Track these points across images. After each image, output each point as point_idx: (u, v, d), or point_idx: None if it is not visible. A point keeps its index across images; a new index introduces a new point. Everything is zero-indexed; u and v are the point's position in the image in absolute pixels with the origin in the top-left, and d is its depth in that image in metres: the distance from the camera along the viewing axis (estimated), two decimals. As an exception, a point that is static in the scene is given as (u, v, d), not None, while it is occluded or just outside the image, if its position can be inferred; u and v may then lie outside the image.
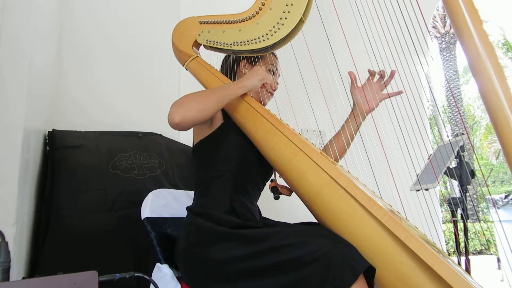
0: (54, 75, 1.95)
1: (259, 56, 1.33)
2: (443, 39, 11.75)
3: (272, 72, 1.35)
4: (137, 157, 1.82)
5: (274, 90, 1.37)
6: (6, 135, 1.17)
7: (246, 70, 1.35)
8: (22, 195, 1.23)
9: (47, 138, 1.72)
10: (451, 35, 11.49)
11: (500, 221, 3.65)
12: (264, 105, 1.33)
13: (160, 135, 2.05)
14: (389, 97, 1.26)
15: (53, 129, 1.75)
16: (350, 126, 1.29)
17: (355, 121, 1.27)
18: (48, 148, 1.69)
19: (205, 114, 1.07)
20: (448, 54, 11.61)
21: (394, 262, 0.83)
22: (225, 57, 1.42)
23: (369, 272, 0.85)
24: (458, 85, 11.43)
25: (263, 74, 1.20)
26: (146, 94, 2.25)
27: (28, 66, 1.27)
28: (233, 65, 1.38)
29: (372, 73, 1.24)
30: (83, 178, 1.62)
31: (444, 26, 11.74)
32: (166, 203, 1.34)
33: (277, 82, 1.39)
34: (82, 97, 2.06)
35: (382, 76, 1.24)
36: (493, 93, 0.68)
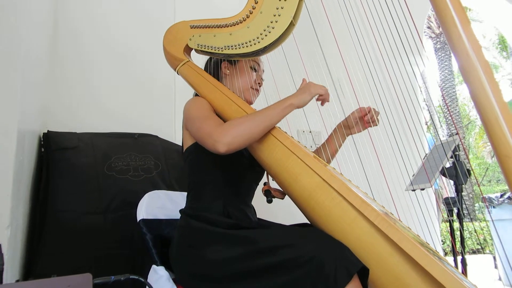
0: (49, 77, 1.94)
1: None
2: (438, 39, 11.76)
3: (254, 69, 1.35)
4: (132, 159, 1.81)
5: (260, 86, 1.36)
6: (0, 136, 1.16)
7: (228, 71, 1.35)
8: (16, 197, 1.22)
9: (42, 139, 1.71)
10: (447, 36, 11.45)
11: (492, 220, 3.66)
12: (251, 103, 1.33)
13: (156, 136, 2.05)
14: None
15: (48, 131, 1.74)
16: (334, 142, 1.36)
17: (340, 138, 1.35)
18: (43, 149, 1.68)
19: (250, 142, 1.08)
20: (443, 54, 11.61)
21: (387, 263, 0.83)
22: (209, 59, 1.41)
23: (363, 273, 0.85)
24: (454, 84, 11.44)
25: (316, 90, 1.13)
26: (141, 95, 2.24)
27: (22, 67, 1.26)
28: (216, 67, 1.37)
29: (363, 111, 1.29)
30: (78, 179, 1.61)
31: (439, 26, 11.72)
32: (161, 204, 1.34)
33: (262, 78, 1.38)
34: (77, 99, 2.05)
35: (370, 112, 1.28)
36: (483, 94, 0.69)
